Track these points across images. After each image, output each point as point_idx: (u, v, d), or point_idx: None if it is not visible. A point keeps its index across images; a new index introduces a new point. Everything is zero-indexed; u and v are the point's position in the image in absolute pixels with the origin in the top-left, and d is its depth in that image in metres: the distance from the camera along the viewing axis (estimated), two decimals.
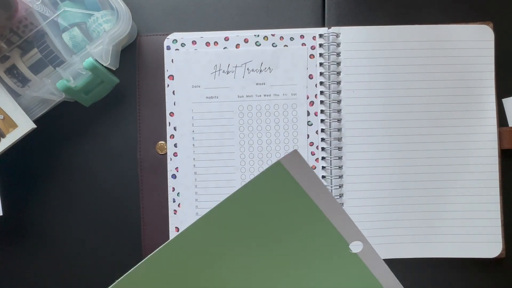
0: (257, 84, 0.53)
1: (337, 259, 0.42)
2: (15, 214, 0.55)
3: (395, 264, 0.52)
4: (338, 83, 0.53)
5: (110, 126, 0.55)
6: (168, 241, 0.40)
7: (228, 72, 0.53)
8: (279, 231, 0.41)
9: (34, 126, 0.50)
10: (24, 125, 0.49)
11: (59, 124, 0.55)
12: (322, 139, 0.53)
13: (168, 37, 0.54)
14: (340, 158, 0.53)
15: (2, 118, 0.49)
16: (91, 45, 0.48)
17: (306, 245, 0.42)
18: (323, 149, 0.53)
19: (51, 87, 0.49)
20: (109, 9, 0.50)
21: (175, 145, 0.54)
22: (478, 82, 0.53)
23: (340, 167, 0.53)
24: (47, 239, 0.55)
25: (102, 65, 0.49)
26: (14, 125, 0.49)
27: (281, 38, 0.53)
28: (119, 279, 0.42)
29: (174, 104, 0.54)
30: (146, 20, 0.55)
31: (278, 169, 0.39)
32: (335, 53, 0.53)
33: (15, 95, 0.50)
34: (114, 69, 0.51)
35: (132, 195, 0.55)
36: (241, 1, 0.55)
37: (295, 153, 0.39)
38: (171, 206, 0.54)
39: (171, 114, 0.54)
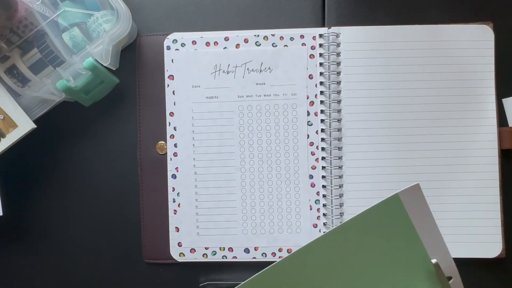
0: (257, 84, 0.53)
1: None
2: (15, 214, 0.55)
3: None
4: (338, 83, 0.53)
5: (110, 126, 0.55)
6: (271, 265, 0.41)
7: (228, 72, 0.53)
8: (378, 261, 0.42)
9: (34, 126, 0.50)
10: (24, 125, 0.49)
11: (59, 124, 0.55)
12: (322, 139, 0.53)
13: (168, 37, 0.54)
14: (340, 158, 0.53)
15: (2, 118, 0.49)
16: (91, 45, 0.48)
17: (400, 276, 0.43)
18: (323, 149, 0.53)
19: (51, 87, 0.49)
20: (109, 9, 0.50)
21: (175, 145, 0.54)
22: (478, 82, 0.53)
23: (340, 167, 0.53)
24: (47, 239, 0.55)
25: (102, 65, 0.49)
26: (14, 125, 0.49)
27: (281, 38, 0.53)
28: None
29: (174, 104, 0.54)
30: (146, 20, 0.55)
31: (394, 202, 0.39)
32: (335, 53, 0.53)
33: (15, 95, 0.50)
34: (114, 69, 0.51)
35: (132, 195, 0.55)
36: (241, 1, 0.55)
37: (416, 187, 0.39)
38: (171, 206, 0.54)
39: (171, 114, 0.54)
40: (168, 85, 0.54)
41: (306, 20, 0.55)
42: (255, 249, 0.53)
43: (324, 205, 0.53)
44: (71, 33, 0.50)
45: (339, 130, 0.53)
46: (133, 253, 0.54)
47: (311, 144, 0.53)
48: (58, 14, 0.50)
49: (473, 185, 0.52)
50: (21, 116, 0.49)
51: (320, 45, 0.53)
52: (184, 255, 0.53)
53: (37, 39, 0.51)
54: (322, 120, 0.53)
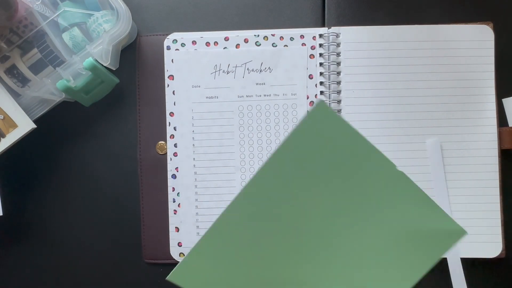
0: (257, 84, 0.53)
1: (389, 185, 0.39)
2: (15, 214, 0.55)
3: None
4: (338, 83, 0.53)
5: (110, 126, 0.55)
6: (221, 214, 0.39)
7: (228, 72, 0.53)
8: (333, 172, 0.39)
9: (34, 126, 0.50)
10: (24, 125, 0.49)
11: (59, 124, 0.55)
12: None
13: (168, 37, 0.54)
14: None
15: (2, 118, 0.49)
16: (91, 45, 0.48)
17: (361, 180, 0.39)
18: None
19: (51, 87, 0.49)
20: (109, 9, 0.50)
21: (175, 145, 0.54)
22: (478, 82, 0.53)
23: None
24: (47, 239, 0.55)
25: (102, 65, 0.49)
26: (14, 125, 0.49)
27: (281, 38, 0.53)
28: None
29: (174, 104, 0.54)
30: (146, 20, 0.55)
31: (322, 109, 0.37)
32: (335, 53, 0.53)
33: (15, 95, 0.50)
34: (114, 69, 0.51)
35: (132, 195, 0.55)
36: (241, 1, 0.55)
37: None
38: (171, 206, 0.54)
39: (171, 114, 0.54)
40: (168, 85, 0.54)
41: (306, 20, 0.55)
42: None
43: None
44: (71, 33, 0.50)
45: None
46: (133, 253, 0.54)
47: None
48: (58, 14, 0.50)
49: (473, 185, 0.52)
50: (21, 116, 0.49)
51: (320, 45, 0.53)
52: (184, 255, 0.53)
53: (37, 39, 0.51)
54: None
